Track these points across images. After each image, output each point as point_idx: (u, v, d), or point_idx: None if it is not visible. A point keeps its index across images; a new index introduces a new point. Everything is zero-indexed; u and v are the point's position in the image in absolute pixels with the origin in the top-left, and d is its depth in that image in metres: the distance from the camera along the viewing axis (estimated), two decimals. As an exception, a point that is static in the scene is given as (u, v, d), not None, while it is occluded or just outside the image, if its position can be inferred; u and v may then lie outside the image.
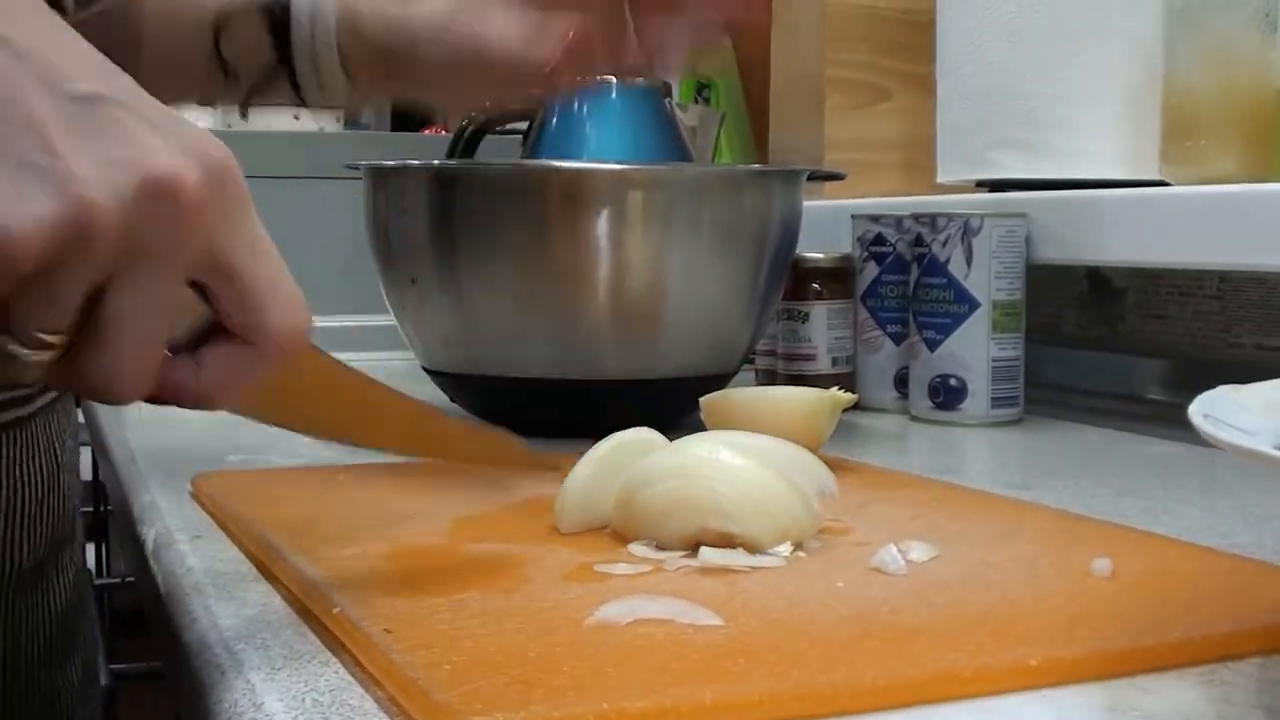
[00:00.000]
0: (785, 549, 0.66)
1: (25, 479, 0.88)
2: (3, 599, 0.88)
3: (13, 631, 0.89)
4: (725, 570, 0.64)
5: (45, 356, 0.49)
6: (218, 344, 0.52)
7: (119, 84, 0.49)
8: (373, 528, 0.73)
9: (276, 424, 0.62)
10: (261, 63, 0.90)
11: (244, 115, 0.94)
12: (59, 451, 0.93)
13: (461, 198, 1.06)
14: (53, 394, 0.92)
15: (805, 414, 0.89)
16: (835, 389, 0.90)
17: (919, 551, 0.67)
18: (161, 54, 0.90)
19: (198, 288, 0.51)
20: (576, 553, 0.67)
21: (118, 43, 0.54)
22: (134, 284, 0.48)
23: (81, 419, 1.17)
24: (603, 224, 1.03)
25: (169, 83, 0.90)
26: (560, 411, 1.05)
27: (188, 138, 0.49)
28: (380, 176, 1.11)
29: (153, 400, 0.53)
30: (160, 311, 0.50)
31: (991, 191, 1.32)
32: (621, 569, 0.64)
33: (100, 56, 0.50)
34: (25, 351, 0.48)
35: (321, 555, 0.66)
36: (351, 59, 0.90)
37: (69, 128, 0.47)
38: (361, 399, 0.65)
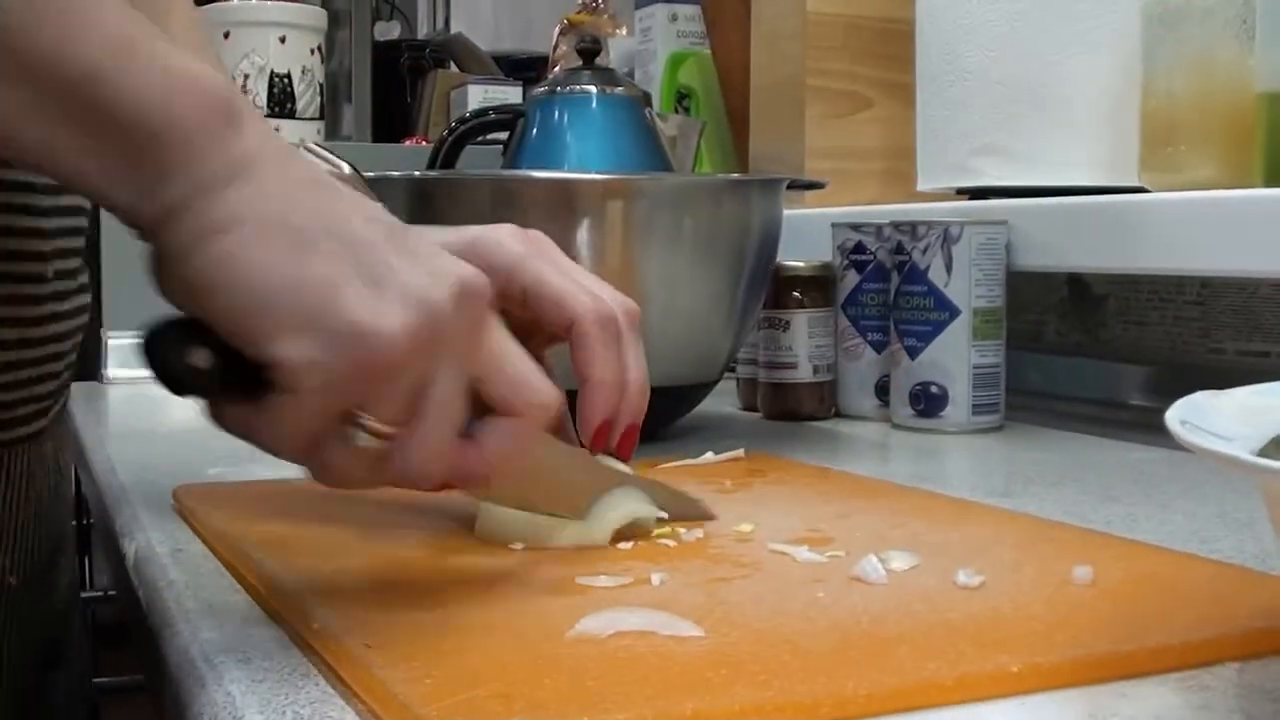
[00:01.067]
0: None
1: (36, 491, 0.89)
2: (5, 607, 0.88)
3: (15, 640, 0.89)
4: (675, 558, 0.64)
5: (378, 445, 0.56)
6: (492, 421, 0.60)
7: (404, 224, 0.58)
8: (354, 541, 0.73)
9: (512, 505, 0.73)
10: None
11: None
12: (61, 463, 0.93)
13: (442, 208, 1.06)
14: (59, 407, 0.92)
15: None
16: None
17: (900, 560, 0.67)
18: None
19: None
20: (557, 565, 0.67)
21: None
22: (449, 376, 0.56)
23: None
24: (583, 234, 1.03)
25: None
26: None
27: (452, 259, 0.58)
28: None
29: (441, 487, 0.60)
30: (464, 396, 0.58)
31: (972, 199, 1.32)
32: (603, 581, 0.64)
33: (383, 209, 0.58)
34: (366, 439, 0.56)
35: (302, 568, 0.66)
36: None
37: (396, 249, 0.55)
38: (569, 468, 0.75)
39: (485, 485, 0.62)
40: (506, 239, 0.77)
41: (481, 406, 0.60)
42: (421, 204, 1.07)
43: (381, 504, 0.82)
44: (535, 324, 0.78)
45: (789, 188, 1.18)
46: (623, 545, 0.71)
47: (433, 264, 0.56)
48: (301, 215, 0.54)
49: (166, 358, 0.54)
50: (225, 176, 0.53)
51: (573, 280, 0.77)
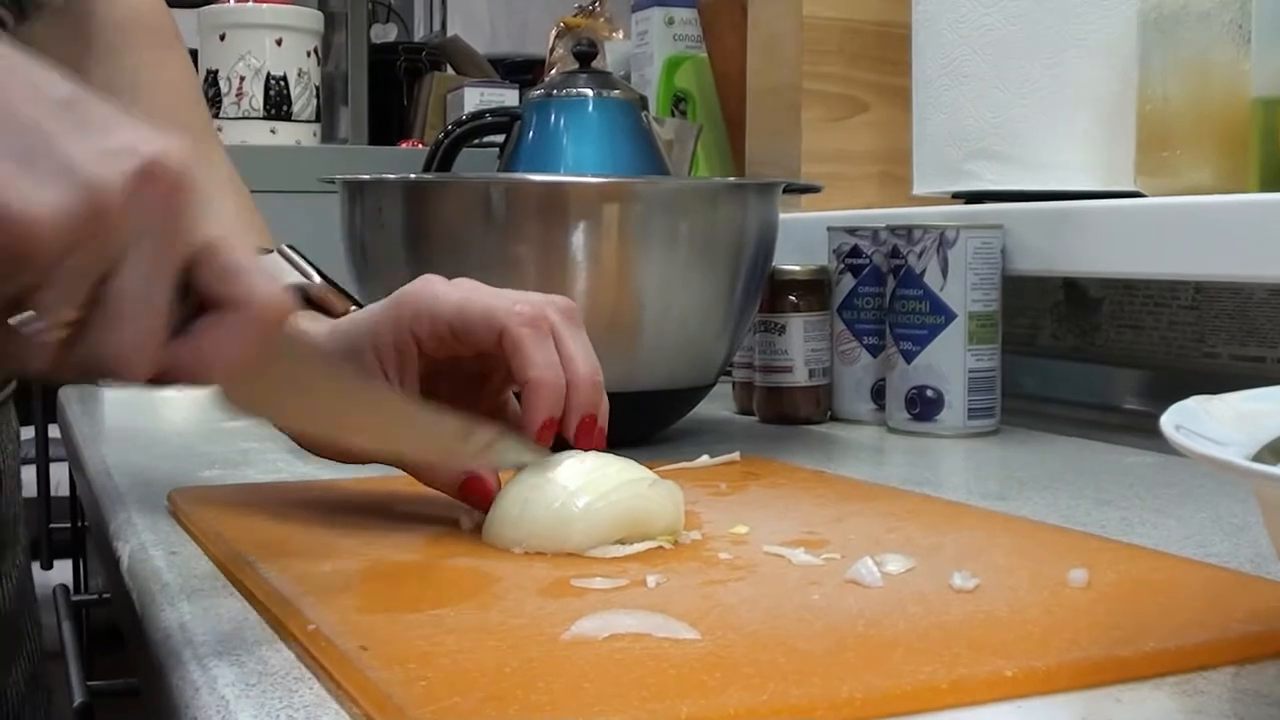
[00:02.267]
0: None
1: None
2: None
3: None
4: (689, 572, 0.64)
5: (59, 334, 0.52)
6: (209, 315, 0.56)
7: (87, 89, 0.52)
8: (348, 543, 0.73)
9: (266, 417, 0.67)
10: None
11: None
12: (3, 457, 0.93)
13: (437, 211, 1.06)
14: None
15: None
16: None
17: (895, 564, 0.67)
18: None
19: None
20: (552, 568, 0.67)
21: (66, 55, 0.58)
22: (140, 262, 0.52)
23: (56, 434, 1.16)
24: (579, 237, 1.03)
25: None
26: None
27: (153, 129, 0.52)
28: (356, 190, 1.11)
29: (155, 381, 0.55)
30: (164, 287, 0.53)
31: (967, 203, 1.32)
32: (598, 583, 0.64)
33: (58, 71, 0.53)
34: (40, 326, 0.51)
35: (297, 571, 0.66)
36: None
37: (62, 125, 0.50)
38: (349, 392, 0.70)
39: (212, 380, 0.57)
40: (431, 281, 0.78)
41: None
42: (417, 207, 1.07)
43: (378, 507, 0.82)
44: (486, 365, 0.78)
45: (785, 191, 1.18)
46: (619, 550, 0.71)
47: (113, 139, 0.51)
48: None
49: None
50: None
51: (499, 295, 0.77)
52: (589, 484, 0.72)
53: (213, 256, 0.55)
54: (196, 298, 0.55)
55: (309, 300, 0.86)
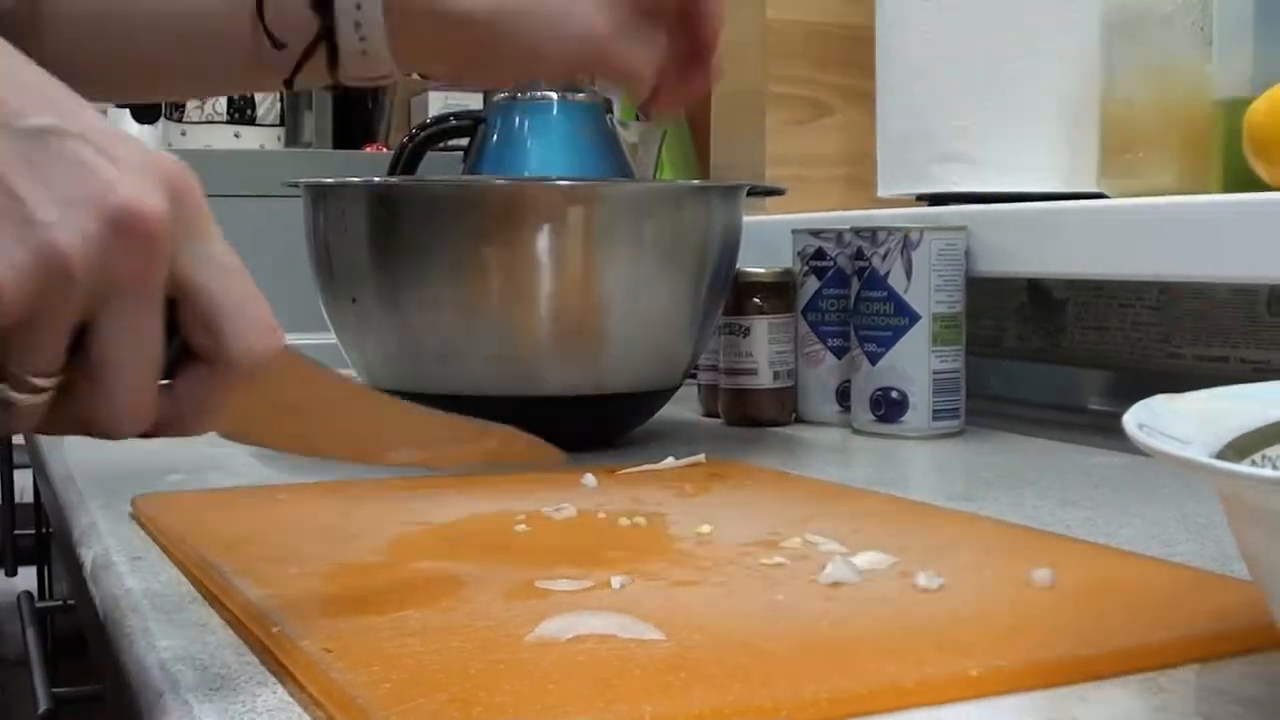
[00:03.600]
0: None
1: None
2: None
3: None
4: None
5: (39, 400, 0.49)
6: (189, 369, 0.52)
7: (68, 108, 0.48)
8: (313, 547, 0.73)
9: (263, 444, 0.62)
10: (306, 30, 0.87)
11: (290, 88, 0.91)
12: None
13: (402, 215, 1.05)
14: None
15: None
16: None
17: (861, 563, 0.67)
18: (207, 30, 0.87)
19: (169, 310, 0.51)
20: (517, 569, 0.67)
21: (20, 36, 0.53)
22: (115, 318, 0.48)
23: (20, 440, 1.16)
24: (544, 240, 1.03)
25: (215, 60, 0.89)
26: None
27: (144, 160, 0.49)
28: (320, 194, 1.10)
29: (145, 434, 0.53)
30: (146, 341, 0.50)
31: (931, 205, 1.33)
32: (563, 585, 0.64)
33: (46, 77, 0.49)
34: (19, 397, 0.49)
35: (261, 575, 0.66)
36: (406, 31, 0.86)
37: (26, 166, 0.46)
38: (356, 410, 0.67)
39: (193, 432, 0.54)
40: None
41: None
42: (382, 211, 1.06)
43: (343, 511, 0.82)
44: None
45: (749, 194, 1.18)
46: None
47: (82, 184, 0.47)
48: None
49: None
50: None
51: None
52: None
53: (195, 300, 0.51)
54: (180, 339, 0.52)
55: None
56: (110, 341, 0.49)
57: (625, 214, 1.05)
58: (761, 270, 1.25)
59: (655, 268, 1.07)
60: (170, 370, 0.52)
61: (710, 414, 1.31)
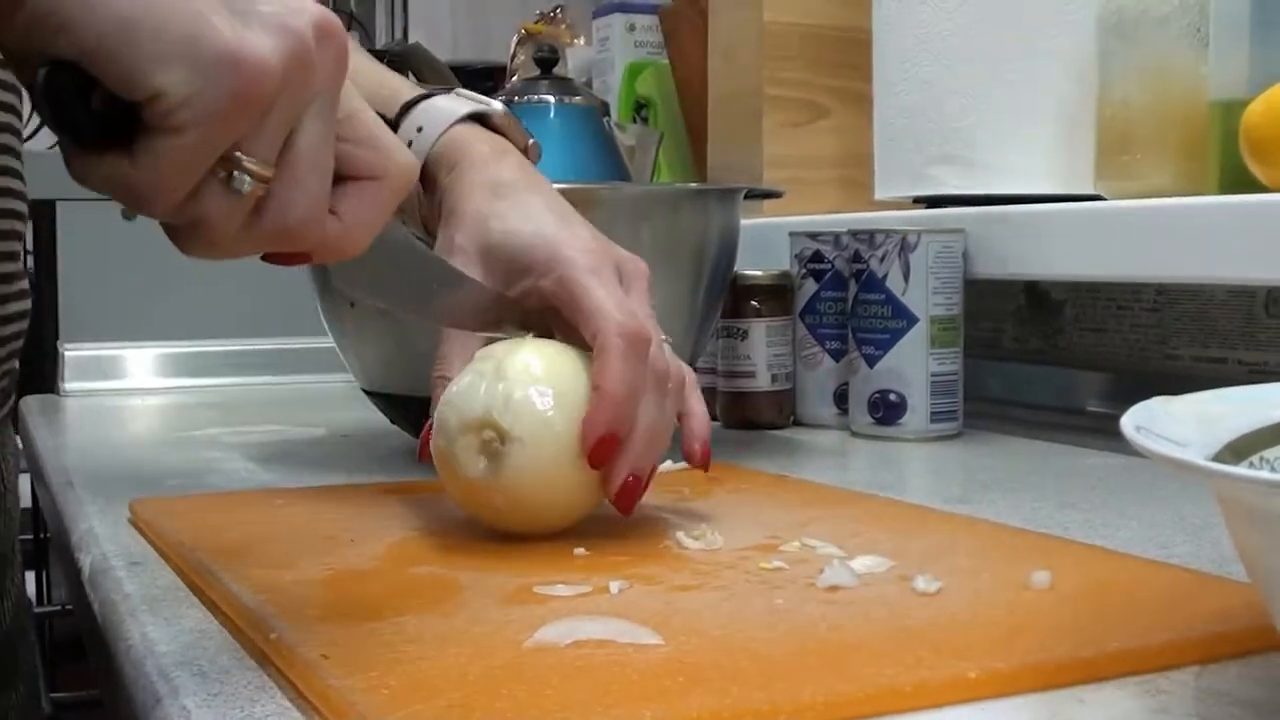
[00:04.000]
0: None
1: None
2: None
3: None
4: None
5: (260, 190, 0.54)
6: (347, 185, 0.58)
7: None
8: (310, 552, 0.73)
9: (371, 297, 0.75)
10: None
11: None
12: (4, 473, 0.92)
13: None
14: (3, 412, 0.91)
15: None
16: None
17: (859, 566, 0.67)
18: None
19: None
20: (515, 575, 0.67)
21: None
22: (316, 118, 0.55)
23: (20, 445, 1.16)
24: (541, 244, 1.02)
25: None
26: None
27: None
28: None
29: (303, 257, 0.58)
30: (331, 148, 0.56)
31: (929, 208, 1.33)
32: (561, 590, 0.64)
33: None
34: (250, 183, 0.53)
35: (258, 580, 0.66)
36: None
37: None
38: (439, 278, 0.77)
39: (345, 255, 0.60)
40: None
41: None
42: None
43: (340, 513, 0.82)
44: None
45: (747, 197, 1.18)
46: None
47: (289, 2, 0.54)
48: None
49: (60, 99, 0.50)
50: None
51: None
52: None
53: (358, 120, 0.58)
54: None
55: (491, 126, 0.89)
56: (312, 139, 0.55)
57: (623, 217, 1.05)
58: (759, 273, 1.25)
59: (653, 271, 1.06)
60: None
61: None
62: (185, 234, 0.55)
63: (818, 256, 1.26)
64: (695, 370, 1.29)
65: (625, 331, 0.74)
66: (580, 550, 0.72)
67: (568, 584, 0.65)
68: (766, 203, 1.46)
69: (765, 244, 1.34)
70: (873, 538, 0.75)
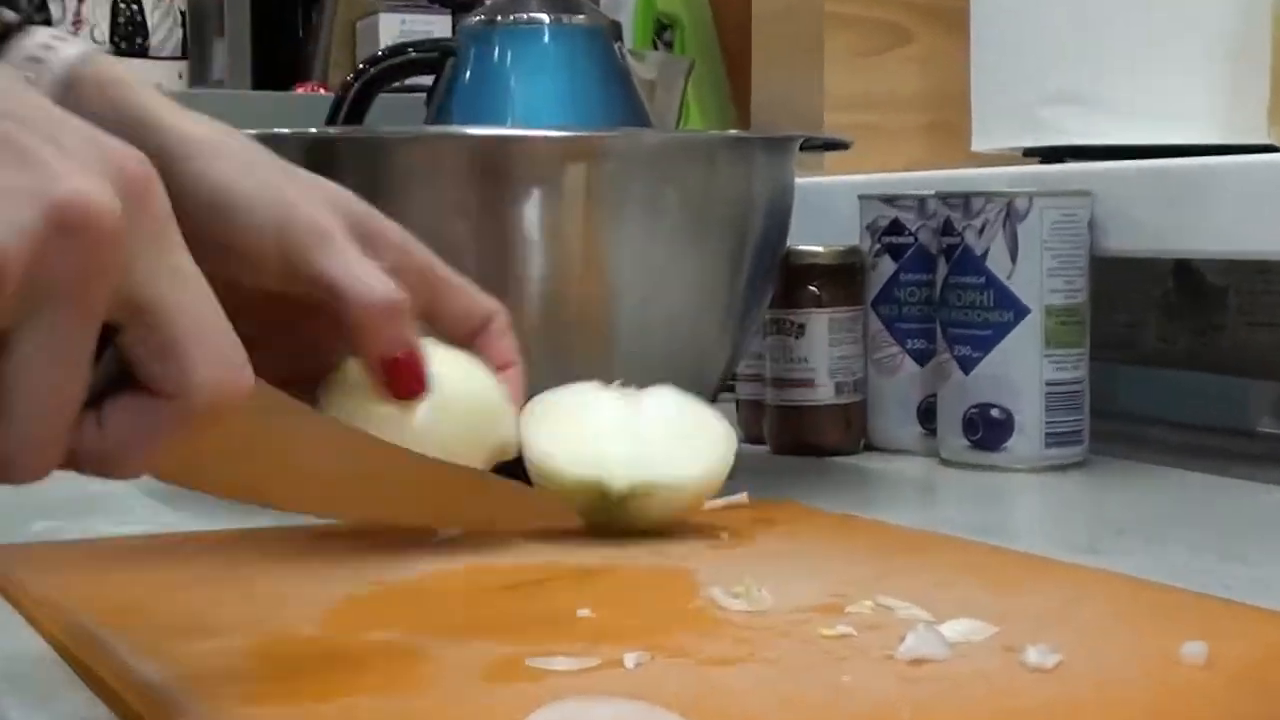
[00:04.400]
0: None
1: None
2: None
3: None
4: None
5: None
6: (125, 396, 0.54)
7: (6, 89, 0.52)
8: (232, 614, 0.73)
9: (212, 493, 0.66)
10: None
11: None
12: None
13: (348, 175, 1.05)
14: None
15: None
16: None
17: (952, 634, 0.67)
18: None
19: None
20: (499, 643, 0.67)
21: None
22: (40, 332, 0.51)
23: None
24: (532, 210, 1.03)
25: None
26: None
27: (97, 152, 0.52)
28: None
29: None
30: (73, 364, 0.52)
31: (1044, 163, 1.33)
32: (560, 663, 0.64)
33: None
34: None
35: (165, 651, 0.66)
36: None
37: None
38: (328, 453, 0.70)
39: (120, 474, 0.57)
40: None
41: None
42: (321, 171, 1.07)
43: (270, 565, 0.83)
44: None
45: (803, 148, 1.18)
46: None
47: (23, 173, 0.50)
48: None
49: None
50: None
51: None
52: None
53: (150, 320, 0.54)
54: (112, 363, 0.54)
55: None
56: (30, 358, 0.51)
57: (640, 174, 1.06)
58: (820, 249, 1.25)
59: (680, 246, 1.07)
60: (95, 399, 0.54)
61: (753, 439, 1.31)
62: None
63: (896, 227, 1.26)
64: (735, 378, 1.30)
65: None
66: (584, 611, 0.72)
67: (569, 655, 0.65)
68: (829, 156, 1.46)
69: (827, 211, 1.34)
70: (969, 596, 0.75)
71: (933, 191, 1.24)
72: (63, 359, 0.51)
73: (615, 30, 1.43)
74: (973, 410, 1.18)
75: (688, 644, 0.68)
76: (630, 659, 0.65)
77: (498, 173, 1.04)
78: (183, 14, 2.36)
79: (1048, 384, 1.17)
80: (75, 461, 0.55)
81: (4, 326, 0.50)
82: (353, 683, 0.62)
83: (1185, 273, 1.47)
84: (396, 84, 1.47)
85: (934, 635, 0.66)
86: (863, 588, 0.77)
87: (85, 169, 0.51)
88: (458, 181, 1.04)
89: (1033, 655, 0.64)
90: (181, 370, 0.54)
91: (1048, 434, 1.17)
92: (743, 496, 0.98)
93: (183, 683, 0.62)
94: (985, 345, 1.17)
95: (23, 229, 0.49)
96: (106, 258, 0.51)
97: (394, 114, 1.59)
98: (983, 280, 1.17)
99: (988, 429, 1.18)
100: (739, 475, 1.11)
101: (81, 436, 0.54)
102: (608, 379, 1.05)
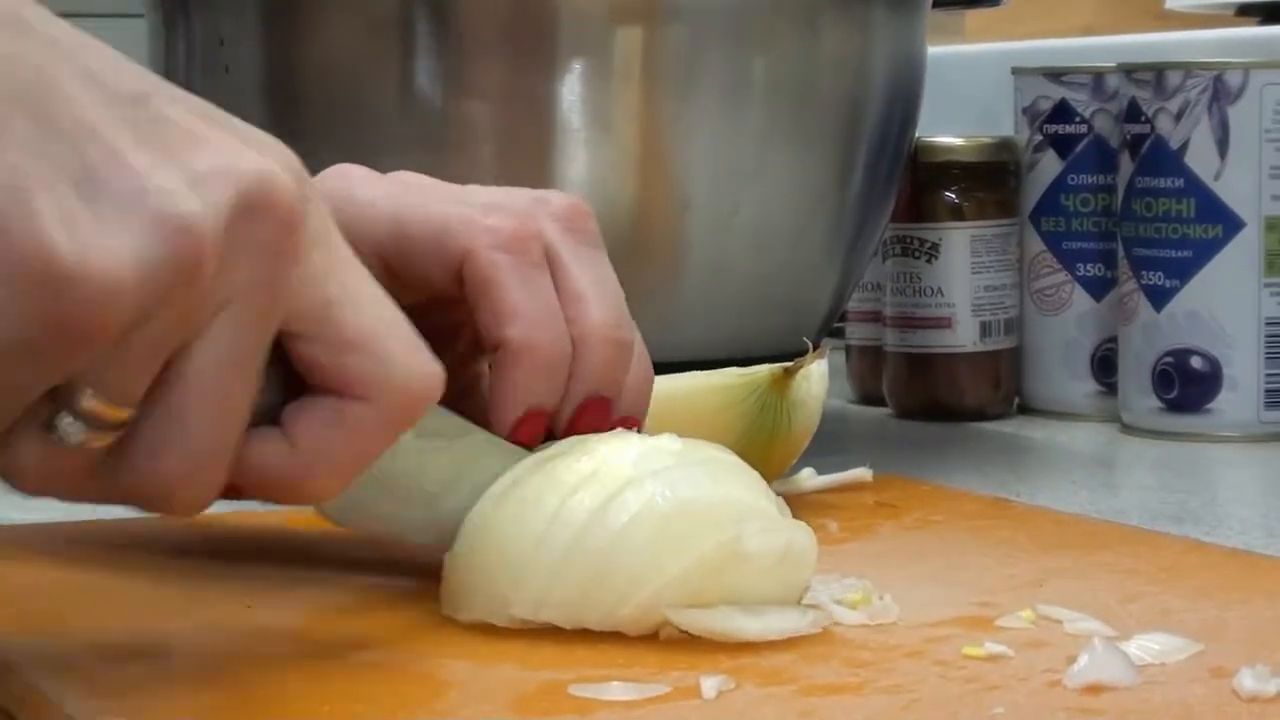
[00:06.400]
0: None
1: None
2: None
3: None
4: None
5: (103, 440, 0.56)
6: (308, 405, 0.60)
7: (157, 81, 0.57)
8: (180, 624, 0.74)
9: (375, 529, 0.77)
10: None
11: None
12: None
13: (320, 43, 1.06)
14: None
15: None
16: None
17: (1141, 651, 0.67)
18: None
19: None
20: (534, 667, 0.68)
21: None
22: (224, 332, 0.57)
23: None
24: (572, 88, 1.03)
25: None
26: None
27: (258, 137, 0.58)
28: (178, 10, 1.11)
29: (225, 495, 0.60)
30: (250, 368, 0.58)
31: (1263, 23, 1.33)
32: (615, 691, 0.64)
33: (124, 57, 0.57)
34: (82, 435, 0.55)
35: (85, 672, 0.67)
36: None
37: (131, 134, 0.55)
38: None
39: (315, 497, 0.63)
40: (348, 176, 0.81)
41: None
42: (284, 36, 1.07)
43: (215, 558, 0.83)
44: (450, 315, 0.81)
45: (936, 5, 1.18)
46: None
47: (202, 155, 0.56)
48: None
49: None
50: None
51: (460, 198, 0.80)
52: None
53: (329, 316, 0.60)
54: (286, 370, 0.60)
55: None
56: (205, 364, 0.57)
57: (717, 42, 1.06)
58: (959, 141, 1.26)
59: (769, 137, 1.07)
60: (264, 415, 0.60)
61: (869, 398, 1.32)
62: (4, 470, 0.57)
63: (1063, 112, 1.26)
64: (845, 317, 1.30)
65: (501, 240, 0.78)
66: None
67: (626, 680, 0.65)
68: (971, 15, 1.46)
69: (969, 90, 1.34)
70: (1163, 604, 0.76)
71: (1113, 63, 1.24)
72: (240, 362, 0.57)
73: None
74: (1166, 359, 1.18)
75: (785, 666, 0.68)
76: (709, 685, 0.65)
77: (525, 38, 1.04)
78: None
79: (1268, 323, 1.17)
80: (264, 484, 0.60)
81: (202, 322, 0.56)
82: (343, 715, 0.63)
83: None
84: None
85: (1116, 655, 0.67)
86: (1019, 594, 0.77)
87: (255, 151, 0.57)
88: (471, 50, 1.04)
89: (1248, 680, 0.64)
90: (377, 360, 0.61)
91: (1267, 390, 1.17)
92: (860, 472, 0.98)
93: (108, 714, 0.62)
94: (1184, 272, 1.17)
95: (219, 207, 0.55)
96: (291, 247, 0.58)
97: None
98: (1182, 184, 1.17)
99: (1186, 384, 1.18)
100: (852, 447, 1.12)
101: (264, 459, 0.59)
102: (675, 321, 1.06)
